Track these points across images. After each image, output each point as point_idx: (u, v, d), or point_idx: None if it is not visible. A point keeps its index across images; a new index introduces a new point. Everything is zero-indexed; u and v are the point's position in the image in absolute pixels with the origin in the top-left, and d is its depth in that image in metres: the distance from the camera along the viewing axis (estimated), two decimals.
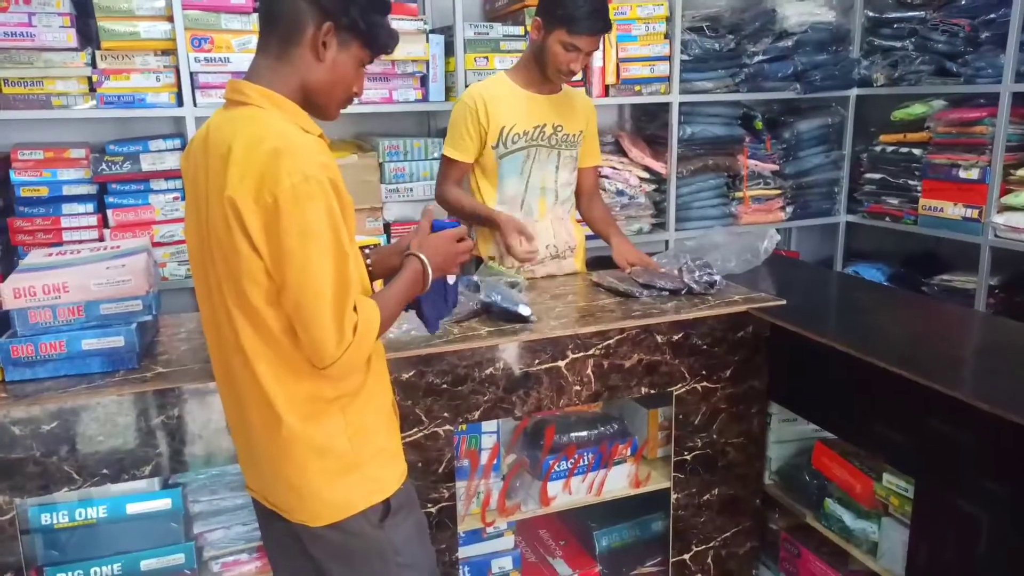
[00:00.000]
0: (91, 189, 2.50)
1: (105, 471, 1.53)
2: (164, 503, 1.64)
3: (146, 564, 1.62)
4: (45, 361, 1.53)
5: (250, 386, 1.27)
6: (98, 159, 2.47)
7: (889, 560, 1.74)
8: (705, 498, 2.07)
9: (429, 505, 1.76)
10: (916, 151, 3.10)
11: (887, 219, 3.27)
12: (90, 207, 2.49)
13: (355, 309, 1.20)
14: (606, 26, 2.09)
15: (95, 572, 1.59)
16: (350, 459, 1.29)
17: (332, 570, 1.37)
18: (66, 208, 2.47)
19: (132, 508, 1.62)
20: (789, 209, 3.39)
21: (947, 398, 1.49)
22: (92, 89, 2.42)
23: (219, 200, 1.17)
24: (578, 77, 2.91)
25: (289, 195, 1.11)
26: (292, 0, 1.22)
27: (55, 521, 1.58)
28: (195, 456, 1.60)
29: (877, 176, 3.30)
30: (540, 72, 2.17)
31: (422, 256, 1.38)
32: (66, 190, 2.48)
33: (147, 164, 2.50)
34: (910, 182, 3.14)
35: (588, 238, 2.51)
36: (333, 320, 1.17)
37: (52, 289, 1.52)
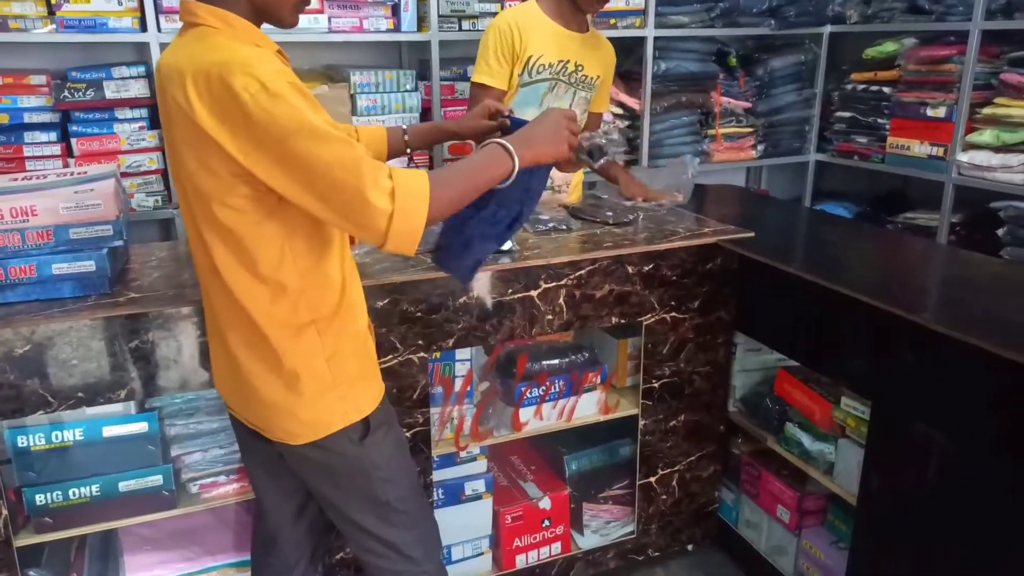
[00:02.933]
0: (54, 117, 2.44)
1: (80, 394, 1.54)
2: (140, 426, 1.65)
3: (124, 485, 1.64)
4: (15, 285, 1.52)
5: (228, 309, 1.27)
6: (60, 86, 2.40)
7: (844, 479, 1.83)
8: (671, 424, 2.14)
9: (404, 430, 1.80)
10: (886, 89, 3.13)
11: (855, 158, 3.31)
12: (53, 136, 2.43)
13: (390, 176, 1.14)
14: None
15: (73, 492, 1.61)
16: (327, 380, 1.31)
17: (317, 486, 1.41)
18: (28, 136, 2.41)
19: (108, 431, 1.63)
20: (760, 147, 3.41)
21: (906, 322, 1.55)
22: (51, 12, 2.33)
23: (183, 126, 1.15)
24: None
25: (254, 106, 1.09)
26: None
27: (32, 443, 1.59)
28: (170, 381, 1.61)
29: (847, 115, 3.33)
30: (571, 5, 2.15)
31: (508, 144, 1.26)
32: (27, 117, 2.41)
33: (111, 91, 2.44)
34: (879, 120, 3.18)
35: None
36: (357, 198, 1.12)
37: (20, 212, 1.50)
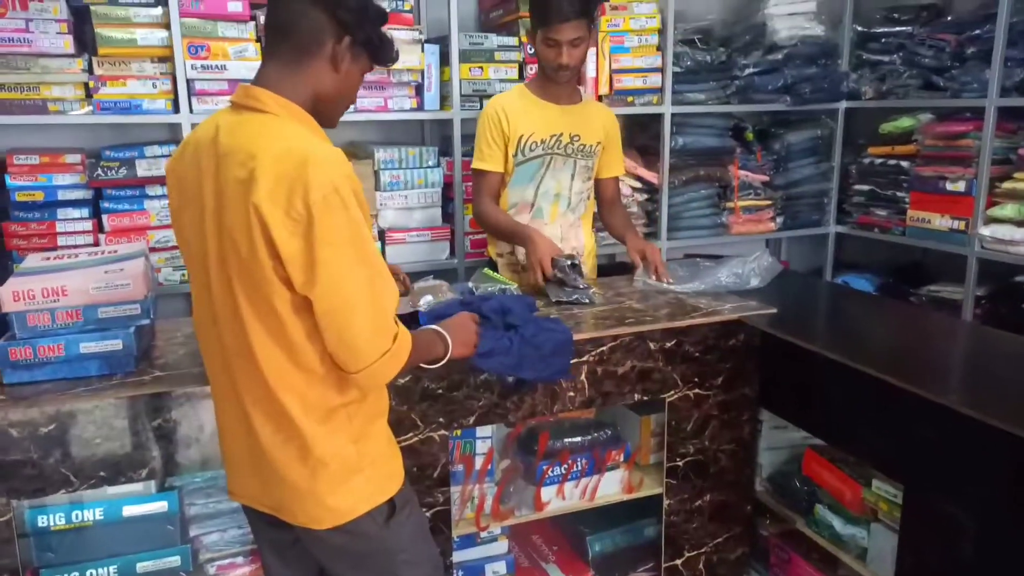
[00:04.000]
0: (86, 194, 2.51)
1: (102, 473, 1.53)
2: (160, 506, 1.64)
3: (142, 566, 1.62)
4: (43, 364, 1.54)
5: (257, 391, 1.27)
6: (94, 164, 2.48)
7: (878, 565, 1.77)
8: (697, 504, 2.09)
9: (424, 509, 1.77)
10: (904, 163, 3.15)
11: (876, 230, 3.32)
12: (85, 212, 2.50)
13: (396, 322, 1.24)
14: (576, 11, 2.07)
15: (91, 574, 1.59)
16: (355, 463, 1.31)
17: (337, 570, 1.39)
18: (61, 213, 2.48)
19: (128, 511, 1.63)
20: (779, 219, 3.42)
21: (934, 405, 1.52)
22: (89, 95, 2.43)
23: (240, 206, 1.16)
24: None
25: (321, 206, 1.13)
26: (312, 14, 1.24)
27: (52, 523, 1.58)
28: (191, 460, 1.60)
29: (866, 187, 3.35)
30: (549, 79, 2.22)
31: (444, 334, 1.44)
32: (61, 195, 2.48)
33: (143, 170, 2.51)
34: (898, 194, 3.19)
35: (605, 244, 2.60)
36: (371, 325, 1.20)
37: (51, 292, 1.53)
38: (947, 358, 1.96)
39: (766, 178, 3.36)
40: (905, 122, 3.14)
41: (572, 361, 1.85)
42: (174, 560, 1.65)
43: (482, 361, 1.62)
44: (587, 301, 2.06)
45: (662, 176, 3.16)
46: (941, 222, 3.00)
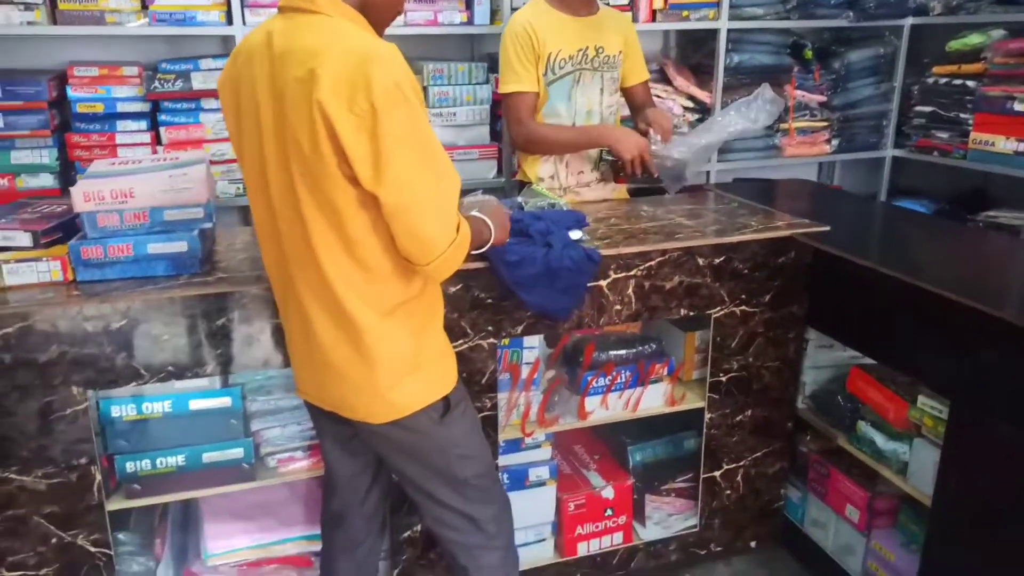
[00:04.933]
0: (144, 107, 2.55)
1: (170, 368, 1.62)
2: (224, 401, 1.73)
3: (208, 457, 1.72)
4: (113, 263, 1.61)
5: (317, 290, 1.31)
6: (151, 77, 2.51)
7: (918, 480, 1.79)
8: (738, 419, 2.12)
9: None
10: (970, 83, 3.01)
11: (935, 153, 3.20)
12: (143, 124, 2.55)
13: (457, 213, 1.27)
14: None
15: (161, 462, 1.70)
16: (412, 360, 1.36)
17: (396, 463, 1.46)
18: (121, 125, 2.53)
19: (195, 404, 1.71)
20: (835, 142, 3.33)
21: (989, 318, 1.51)
22: (144, 6, 2.44)
23: (302, 104, 1.17)
24: (624, 1, 2.88)
25: (384, 101, 1.14)
26: None
27: (124, 414, 1.68)
28: (252, 358, 1.68)
29: (927, 109, 3.22)
30: None
31: (487, 220, 1.49)
32: (120, 107, 2.53)
33: (198, 83, 2.54)
34: (962, 115, 3.06)
35: None
36: (439, 217, 1.23)
37: (119, 194, 1.59)
38: (1003, 276, 1.93)
39: (823, 98, 3.26)
40: (975, 39, 2.98)
41: (619, 276, 1.87)
42: (237, 452, 1.74)
43: (508, 270, 1.65)
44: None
45: (715, 95, 3.08)
46: (1006, 144, 2.88)
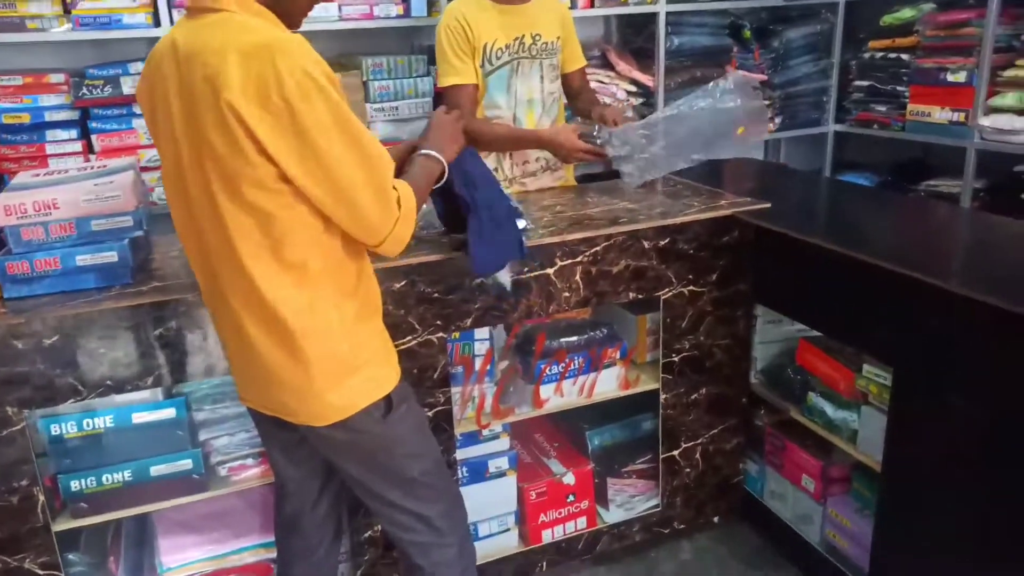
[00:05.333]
0: (73, 115, 2.49)
1: (109, 382, 1.57)
2: (168, 412, 1.69)
3: (156, 470, 1.68)
4: (41, 277, 1.55)
5: (245, 295, 1.27)
6: (78, 83, 2.44)
7: (868, 446, 1.82)
8: (693, 397, 2.14)
9: (426, 410, 1.82)
10: (904, 56, 3.08)
11: (875, 126, 3.27)
12: (74, 133, 2.48)
13: (393, 187, 1.27)
14: None
15: (107, 478, 1.65)
16: (351, 359, 1.33)
17: (342, 465, 1.44)
18: (50, 135, 2.46)
19: (138, 417, 1.67)
20: (778, 120, 3.38)
21: (928, 286, 1.54)
22: (67, 11, 2.37)
23: (211, 105, 1.14)
24: None
25: (297, 93, 1.11)
26: None
27: (64, 431, 1.63)
28: (196, 367, 1.64)
29: (865, 83, 3.28)
30: None
31: (430, 150, 1.47)
32: (48, 116, 2.46)
33: (128, 87, 2.47)
34: (898, 88, 3.13)
35: None
36: (376, 198, 1.23)
37: (43, 206, 1.54)
38: (942, 244, 1.97)
39: (764, 77, 3.29)
40: (906, 12, 3.05)
41: (565, 263, 1.87)
42: (186, 463, 1.70)
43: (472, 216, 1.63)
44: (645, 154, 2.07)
45: (657, 79, 3.09)
46: (941, 115, 2.96)
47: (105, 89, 2.45)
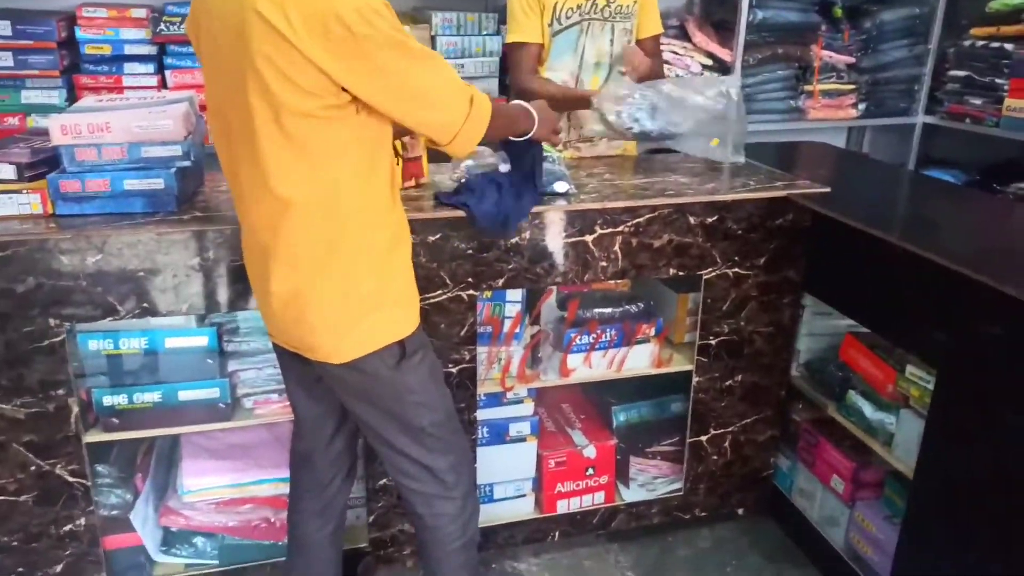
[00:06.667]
0: (151, 50, 2.57)
1: (145, 305, 1.63)
2: (200, 340, 1.75)
3: (184, 395, 1.74)
4: (92, 198, 1.61)
5: (274, 225, 1.29)
6: (157, 19, 2.51)
7: (903, 452, 1.73)
8: (727, 384, 2.07)
9: (450, 366, 1.83)
10: (1008, 46, 2.85)
11: (967, 120, 3.05)
12: (150, 68, 2.57)
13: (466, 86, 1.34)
14: None
15: (137, 397, 1.72)
16: (373, 300, 1.34)
17: (353, 406, 1.46)
18: (128, 67, 2.55)
19: (171, 343, 1.73)
20: (862, 106, 3.20)
21: (980, 287, 1.43)
22: None
23: (265, 39, 1.16)
24: None
25: (359, 20, 1.16)
26: None
27: (101, 348, 1.70)
28: (229, 299, 1.68)
29: (962, 74, 3.07)
30: None
31: (532, 111, 1.55)
32: (128, 49, 2.55)
33: None
34: (997, 80, 2.91)
35: None
36: (449, 92, 1.31)
37: (96, 128, 1.59)
38: (1016, 247, 1.83)
39: (852, 60, 3.13)
40: None
41: (605, 231, 1.82)
42: (213, 392, 1.76)
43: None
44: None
45: (736, 53, 2.97)
46: None
47: (181, 27, 2.52)
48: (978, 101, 3.00)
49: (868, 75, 3.17)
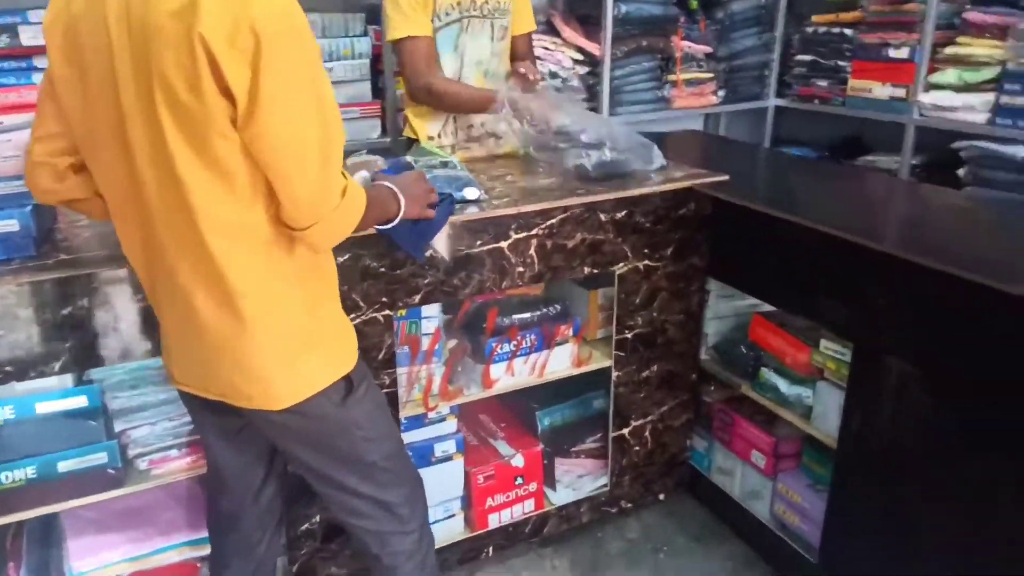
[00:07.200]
0: None
1: (8, 368, 1.39)
2: (79, 401, 1.52)
3: (64, 465, 1.50)
4: None
5: (196, 262, 1.13)
6: None
7: (822, 422, 1.80)
8: (644, 375, 2.08)
9: None
10: (848, 31, 3.08)
11: (816, 101, 3.27)
12: None
13: (344, 175, 1.12)
14: None
15: (7, 476, 1.46)
16: (309, 337, 1.21)
17: (296, 452, 1.32)
18: None
19: (42, 407, 1.49)
20: (721, 93, 3.34)
21: (884, 257, 1.51)
22: None
23: (179, 41, 0.99)
24: None
25: (270, 29, 0.98)
26: None
27: None
28: (111, 350, 1.47)
29: (808, 58, 3.27)
30: None
31: (397, 191, 1.35)
32: None
33: (28, 38, 2.22)
34: (840, 63, 3.13)
35: None
36: (320, 174, 1.08)
37: None
38: (892, 214, 1.96)
39: (709, 49, 3.25)
40: None
41: (520, 236, 1.77)
42: (100, 457, 1.52)
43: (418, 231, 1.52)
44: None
45: (604, 47, 3.00)
46: (881, 91, 2.97)
47: (2, 39, 2.19)
48: (824, 83, 3.22)
49: (724, 63, 3.31)
